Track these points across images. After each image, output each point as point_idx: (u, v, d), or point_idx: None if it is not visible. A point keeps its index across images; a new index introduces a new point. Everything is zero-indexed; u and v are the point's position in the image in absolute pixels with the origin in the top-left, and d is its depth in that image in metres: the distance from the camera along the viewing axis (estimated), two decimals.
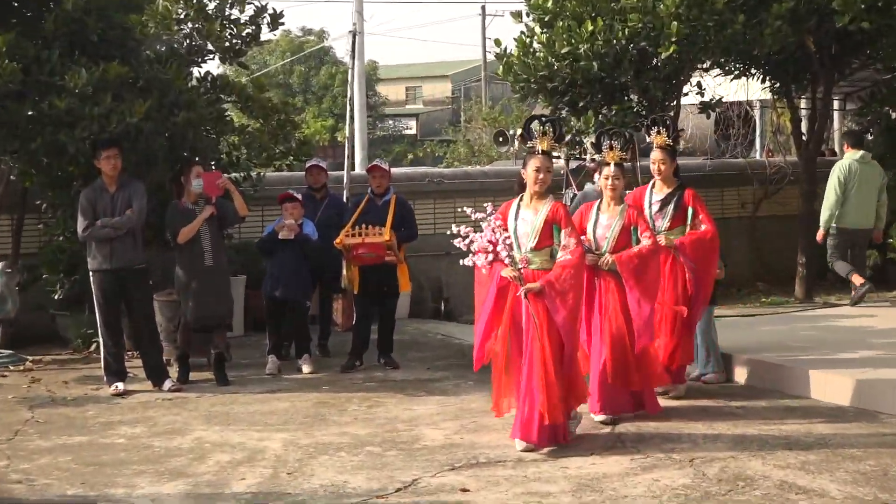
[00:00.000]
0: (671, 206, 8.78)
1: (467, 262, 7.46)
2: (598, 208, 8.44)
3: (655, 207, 8.84)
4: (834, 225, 12.11)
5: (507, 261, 7.39)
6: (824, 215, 12.12)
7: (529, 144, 7.59)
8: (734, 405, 8.56)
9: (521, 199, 7.60)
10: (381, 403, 8.82)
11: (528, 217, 7.50)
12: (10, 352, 11.20)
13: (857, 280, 11.86)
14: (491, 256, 7.35)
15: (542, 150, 7.49)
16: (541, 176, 7.49)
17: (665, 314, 8.62)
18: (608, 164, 8.39)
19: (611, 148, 8.52)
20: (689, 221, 8.74)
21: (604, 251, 8.18)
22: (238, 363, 10.42)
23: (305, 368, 10.18)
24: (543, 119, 7.72)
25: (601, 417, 7.99)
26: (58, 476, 7.08)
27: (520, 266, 7.39)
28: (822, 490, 6.36)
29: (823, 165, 14.37)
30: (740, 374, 9.39)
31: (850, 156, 12.28)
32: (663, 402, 8.55)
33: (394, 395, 9.10)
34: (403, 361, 10.50)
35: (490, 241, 7.33)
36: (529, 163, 7.57)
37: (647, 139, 9.09)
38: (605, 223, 8.29)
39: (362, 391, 9.34)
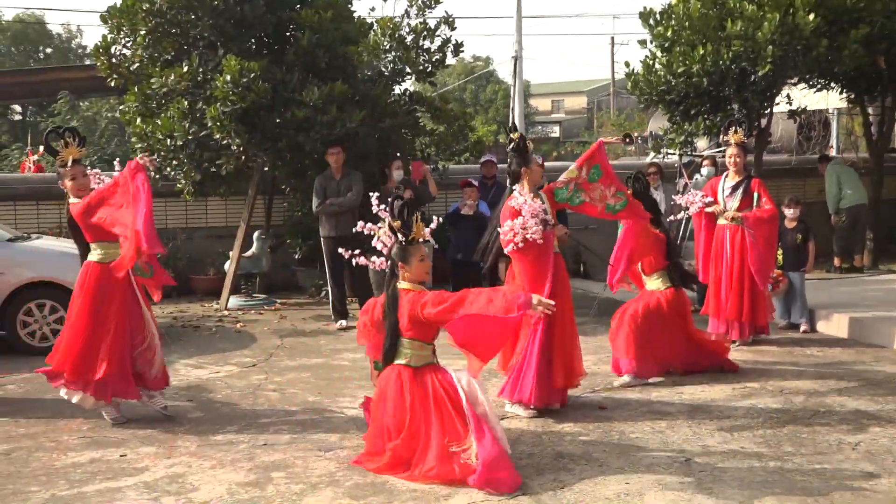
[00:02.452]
0: (740, 191, 8.62)
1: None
2: (725, 178, 8.78)
3: (727, 192, 8.69)
4: None
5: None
6: None
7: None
8: (815, 349, 8.37)
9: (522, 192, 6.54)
10: None
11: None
12: (265, 296, 11.65)
13: None
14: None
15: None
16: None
17: (732, 279, 8.49)
18: (731, 144, 8.64)
19: (735, 132, 8.69)
20: (754, 204, 8.57)
21: (730, 209, 8.55)
22: None
23: None
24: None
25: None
26: (301, 387, 7.40)
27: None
28: (890, 417, 6.19)
29: (889, 161, 14.00)
30: (822, 325, 9.17)
31: None
32: (758, 347, 8.47)
33: None
34: None
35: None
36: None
37: (724, 137, 8.94)
38: (729, 188, 8.67)
39: None
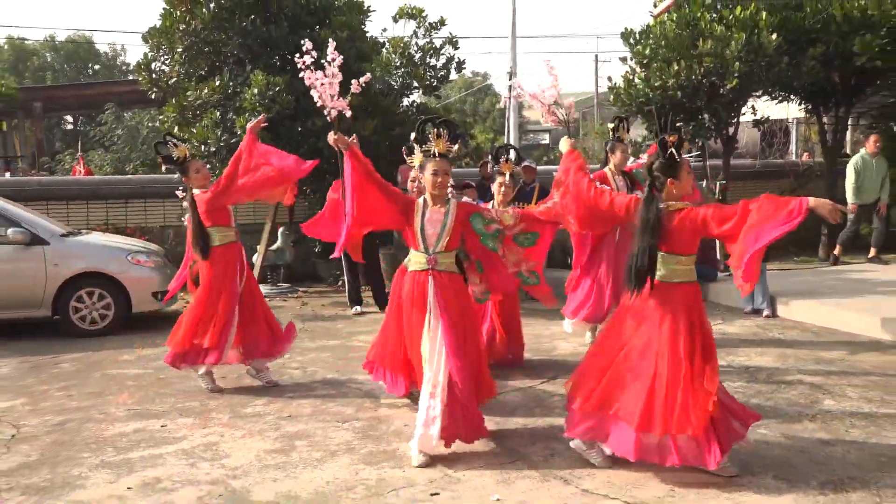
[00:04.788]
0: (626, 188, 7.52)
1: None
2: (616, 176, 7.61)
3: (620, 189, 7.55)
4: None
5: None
6: None
7: (425, 148, 5.17)
8: (776, 332, 8.35)
9: (423, 202, 5.15)
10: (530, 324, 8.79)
11: (435, 219, 5.09)
12: (289, 285, 11.66)
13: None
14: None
15: (439, 153, 5.09)
16: (439, 179, 5.11)
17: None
18: (503, 173, 6.90)
19: (621, 129, 7.53)
20: None
21: None
22: None
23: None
24: (437, 120, 5.19)
25: None
26: (321, 366, 7.40)
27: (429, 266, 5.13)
28: (842, 392, 6.17)
29: (842, 164, 13.96)
30: (782, 311, 9.13)
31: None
32: (725, 330, 8.40)
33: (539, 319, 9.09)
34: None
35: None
36: (427, 167, 5.15)
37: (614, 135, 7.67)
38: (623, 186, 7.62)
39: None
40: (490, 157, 6.14)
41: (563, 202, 5.24)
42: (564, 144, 5.45)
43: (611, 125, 7.50)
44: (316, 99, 5.56)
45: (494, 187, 6.94)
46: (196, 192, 6.59)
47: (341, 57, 5.57)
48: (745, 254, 4.32)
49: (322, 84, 5.55)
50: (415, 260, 5.24)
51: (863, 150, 11.98)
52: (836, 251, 12.06)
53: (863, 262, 12.02)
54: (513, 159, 6.93)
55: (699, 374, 4.45)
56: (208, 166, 10.65)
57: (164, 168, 6.82)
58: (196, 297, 6.56)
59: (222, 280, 6.47)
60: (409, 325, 5.31)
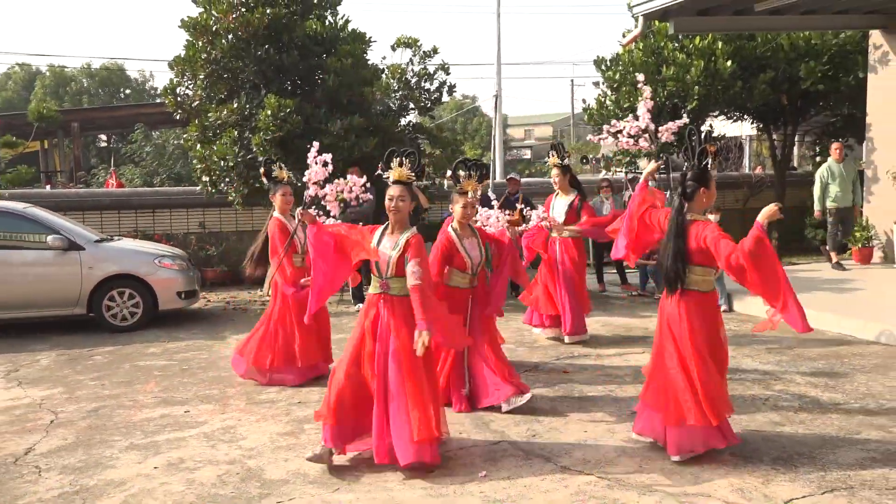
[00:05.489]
0: (567, 208, 7.53)
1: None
2: (556, 196, 7.68)
3: (559, 209, 7.59)
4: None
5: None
6: None
7: (385, 175, 4.67)
8: (733, 325, 8.33)
9: (386, 226, 4.64)
10: (513, 318, 8.76)
11: (388, 246, 4.55)
12: None
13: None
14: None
15: (394, 180, 4.61)
16: (468, 212, 5.32)
17: (558, 284, 7.54)
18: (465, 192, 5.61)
19: (553, 155, 7.54)
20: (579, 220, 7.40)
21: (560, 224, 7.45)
22: None
23: None
24: (400, 151, 4.73)
25: None
26: None
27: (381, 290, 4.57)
28: (791, 379, 6.17)
29: (790, 176, 14.04)
30: (738, 305, 9.14)
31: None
32: None
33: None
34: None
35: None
36: (458, 201, 5.39)
37: (547, 159, 7.88)
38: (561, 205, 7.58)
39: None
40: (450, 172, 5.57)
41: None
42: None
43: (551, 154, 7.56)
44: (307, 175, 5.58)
45: (457, 208, 5.57)
46: (276, 214, 6.49)
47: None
48: (787, 307, 4.15)
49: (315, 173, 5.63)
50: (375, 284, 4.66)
51: (829, 159, 11.22)
52: (834, 258, 11.00)
53: (811, 263, 12.01)
54: (476, 175, 5.53)
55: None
56: (227, 179, 10.71)
57: (266, 181, 6.55)
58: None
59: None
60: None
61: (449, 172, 5.65)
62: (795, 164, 17.63)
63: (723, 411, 4.37)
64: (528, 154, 58.32)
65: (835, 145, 11.22)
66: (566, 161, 7.64)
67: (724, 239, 4.26)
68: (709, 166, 4.44)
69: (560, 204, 7.64)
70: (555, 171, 7.64)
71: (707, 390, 4.30)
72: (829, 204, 11.05)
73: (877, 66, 11.03)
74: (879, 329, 7.46)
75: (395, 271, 4.52)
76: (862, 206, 11.34)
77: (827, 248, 11.21)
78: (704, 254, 4.37)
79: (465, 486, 4.22)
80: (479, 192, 5.59)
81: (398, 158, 4.68)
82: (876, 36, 11.03)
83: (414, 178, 4.68)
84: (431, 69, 11.60)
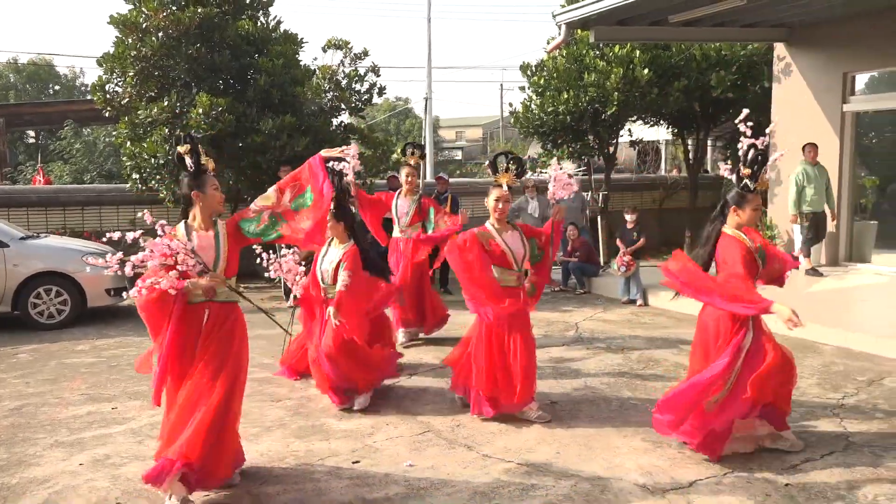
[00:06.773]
0: (414, 207, 7.35)
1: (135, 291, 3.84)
2: (399, 195, 7.42)
3: (403, 208, 7.43)
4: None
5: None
6: None
7: (495, 178, 5.06)
8: (647, 318, 8.58)
9: (331, 239, 5.09)
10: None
11: (331, 256, 5.12)
12: None
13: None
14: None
15: (505, 184, 5.03)
16: (500, 206, 5.06)
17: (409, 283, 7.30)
18: (409, 165, 7.10)
19: (413, 154, 7.43)
20: (430, 217, 7.28)
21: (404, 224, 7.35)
22: None
23: None
24: (510, 155, 5.05)
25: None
26: (258, 352, 7.06)
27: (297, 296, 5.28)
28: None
29: (702, 178, 14.49)
30: (652, 300, 9.39)
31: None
32: (604, 317, 8.57)
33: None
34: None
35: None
36: (492, 193, 5.11)
37: (403, 158, 7.62)
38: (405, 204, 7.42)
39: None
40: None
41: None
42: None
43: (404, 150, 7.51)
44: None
45: (402, 176, 7.24)
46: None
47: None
48: (691, 289, 4.30)
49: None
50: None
51: (802, 161, 10.14)
52: (808, 264, 10.02)
53: None
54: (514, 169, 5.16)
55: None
56: (158, 177, 10.43)
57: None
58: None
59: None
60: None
61: (486, 163, 5.34)
62: (708, 168, 18.20)
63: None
64: (458, 155, 58.62)
65: (808, 146, 10.14)
66: (525, 177, 6.56)
67: (734, 275, 4.25)
68: (749, 188, 4.39)
69: (403, 203, 7.42)
70: (408, 170, 7.32)
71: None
72: (805, 209, 10.06)
73: (780, 76, 11.49)
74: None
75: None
76: (834, 210, 10.37)
77: (802, 254, 10.14)
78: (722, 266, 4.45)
79: (391, 475, 4.24)
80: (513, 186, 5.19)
81: (506, 164, 4.77)
82: (780, 48, 11.49)
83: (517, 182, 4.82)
84: (362, 71, 11.56)
